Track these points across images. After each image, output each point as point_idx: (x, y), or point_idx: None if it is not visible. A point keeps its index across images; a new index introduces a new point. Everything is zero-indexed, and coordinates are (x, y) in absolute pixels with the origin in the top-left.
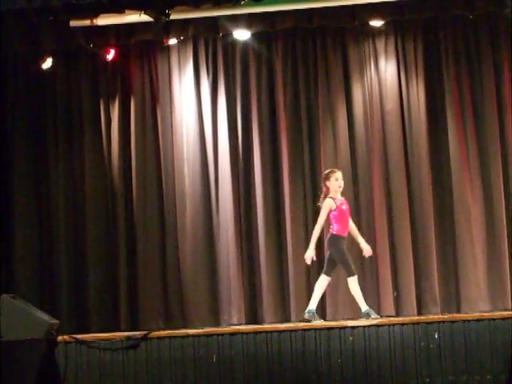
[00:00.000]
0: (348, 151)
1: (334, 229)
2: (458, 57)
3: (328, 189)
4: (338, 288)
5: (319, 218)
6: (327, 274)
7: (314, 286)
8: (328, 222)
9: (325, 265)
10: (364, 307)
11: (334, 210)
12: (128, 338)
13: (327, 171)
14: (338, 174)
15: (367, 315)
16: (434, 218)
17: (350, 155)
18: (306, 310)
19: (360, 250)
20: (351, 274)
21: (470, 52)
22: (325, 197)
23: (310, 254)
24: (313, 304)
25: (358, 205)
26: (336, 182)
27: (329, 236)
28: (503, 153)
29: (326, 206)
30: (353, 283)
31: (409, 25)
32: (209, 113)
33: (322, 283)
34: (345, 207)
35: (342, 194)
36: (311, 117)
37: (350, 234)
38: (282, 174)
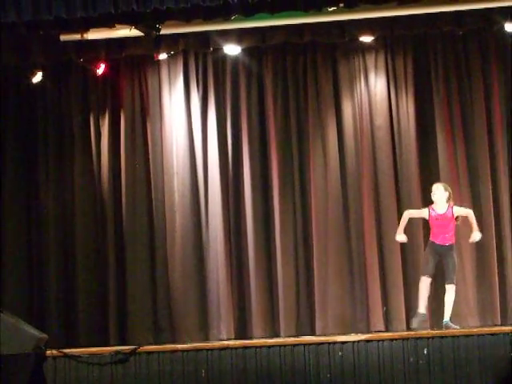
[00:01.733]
0: (338, 166)
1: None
2: (448, 72)
3: None
4: (327, 303)
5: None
6: (448, 282)
7: (302, 301)
8: None
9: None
10: (421, 309)
11: (428, 219)
12: (117, 353)
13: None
14: (434, 187)
15: (418, 317)
16: (423, 232)
17: (339, 170)
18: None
19: (349, 266)
20: (422, 274)
21: (459, 68)
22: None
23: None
24: (446, 315)
25: (347, 219)
26: (432, 195)
27: None
28: (493, 170)
29: (419, 212)
30: (422, 282)
31: (399, 40)
32: (199, 127)
33: (449, 294)
34: (436, 219)
35: (333, 204)
36: (301, 131)
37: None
38: (271, 188)
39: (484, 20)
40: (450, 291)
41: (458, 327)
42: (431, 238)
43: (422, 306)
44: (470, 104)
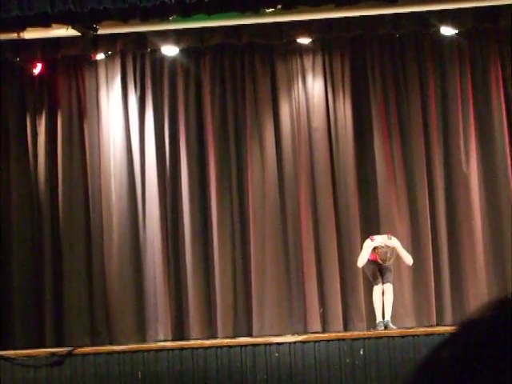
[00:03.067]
0: (275, 167)
1: None
2: (385, 74)
3: None
4: (264, 304)
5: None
6: (385, 282)
7: (240, 302)
8: None
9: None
10: (378, 318)
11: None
12: (52, 355)
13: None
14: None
15: (378, 326)
16: (360, 233)
17: (277, 171)
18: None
19: (287, 267)
20: (374, 284)
21: (396, 70)
22: None
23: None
24: (387, 315)
25: (284, 220)
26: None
27: None
28: (428, 169)
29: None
30: (374, 291)
31: (336, 42)
32: (136, 128)
33: (388, 294)
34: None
35: (270, 206)
36: (239, 133)
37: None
38: (209, 189)
39: (420, 23)
40: (389, 291)
41: (395, 328)
42: (371, 258)
43: (379, 315)
44: (407, 105)
